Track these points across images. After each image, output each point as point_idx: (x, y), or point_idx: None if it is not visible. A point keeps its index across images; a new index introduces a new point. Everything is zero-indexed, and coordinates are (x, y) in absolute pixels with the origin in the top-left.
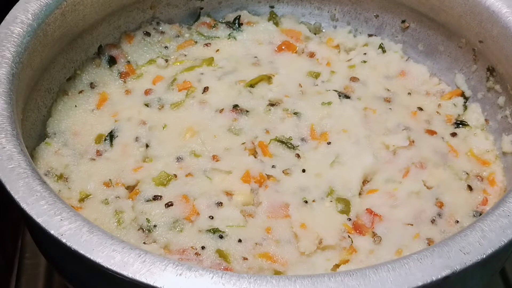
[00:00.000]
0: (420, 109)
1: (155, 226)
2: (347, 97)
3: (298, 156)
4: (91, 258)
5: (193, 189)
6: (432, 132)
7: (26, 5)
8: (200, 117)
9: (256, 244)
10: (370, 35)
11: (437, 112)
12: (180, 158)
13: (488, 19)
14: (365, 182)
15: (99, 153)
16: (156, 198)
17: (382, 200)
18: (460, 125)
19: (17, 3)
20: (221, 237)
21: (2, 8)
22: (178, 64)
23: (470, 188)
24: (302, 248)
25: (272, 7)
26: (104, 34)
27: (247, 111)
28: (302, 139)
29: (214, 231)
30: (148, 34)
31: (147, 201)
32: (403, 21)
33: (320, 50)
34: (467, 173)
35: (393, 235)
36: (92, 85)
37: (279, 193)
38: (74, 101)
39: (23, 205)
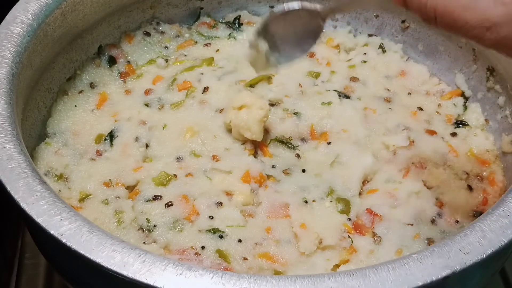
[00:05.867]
0: (420, 109)
1: (155, 226)
2: (347, 97)
3: (298, 156)
4: (91, 258)
5: (193, 189)
6: (432, 132)
7: (26, 5)
8: (200, 117)
9: (256, 244)
10: (370, 35)
11: (437, 112)
12: (180, 158)
13: None
14: (365, 182)
15: (99, 153)
16: (156, 198)
17: (382, 200)
18: (460, 125)
19: (17, 3)
20: (221, 237)
21: (2, 8)
22: (178, 64)
23: (470, 188)
24: (302, 248)
25: (272, 7)
26: (104, 34)
27: None
28: (302, 139)
29: (214, 231)
30: (148, 34)
31: (147, 201)
32: (403, 21)
33: (320, 50)
34: (467, 173)
35: (393, 235)
36: (92, 85)
37: (279, 193)
38: (74, 101)
39: (23, 205)
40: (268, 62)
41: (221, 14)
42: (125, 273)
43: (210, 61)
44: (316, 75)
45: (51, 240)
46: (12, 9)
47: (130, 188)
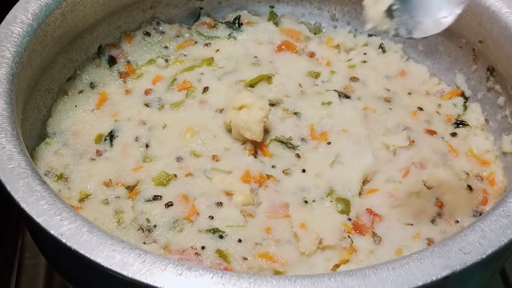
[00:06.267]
0: (420, 109)
1: (155, 226)
2: (347, 97)
3: (298, 156)
4: (91, 258)
5: (193, 189)
6: (432, 132)
7: (26, 5)
8: (200, 117)
9: (256, 244)
10: (370, 35)
11: (437, 112)
12: (180, 158)
13: (488, 19)
14: (365, 182)
15: (99, 153)
16: (156, 198)
17: (382, 200)
18: (460, 125)
19: (17, 3)
20: (221, 237)
21: (2, 8)
22: (178, 64)
23: (470, 188)
24: (302, 248)
25: (272, 7)
26: (104, 34)
27: None
28: (302, 139)
29: (214, 231)
30: (148, 34)
31: (147, 201)
32: None
33: (320, 50)
34: (467, 173)
35: (393, 235)
36: (92, 85)
37: (279, 193)
38: (74, 101)
39: (23, 205)
40: (385, 18)
41: (221, 14)
42: (125, 273)
43: (210, 61)
44: (316, 75)
45: (51, 240)
46: (12, 9)
47: (130, 188)
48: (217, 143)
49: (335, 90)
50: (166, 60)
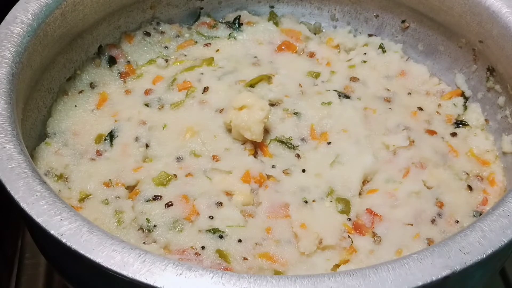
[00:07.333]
0: (420, 109)
1: (155, 226)
2: (347, 97)
3: (298, 156)
4: (91, 258)
5: (193, 189)
6: (432, 132)
7: (26, 5)
8: (200, 117)
9: (256, 244)
10: (370, 35)
11: (437, 112)
12: (180, 158)
13: (488, 19)
14: (365, 182)
15: (99, 153)
16: (156, 198)
17: (382, 200)
18: (460, 125)
19: (17, 3)
20: (221, 237)
21: (2, 8)
22: (178, 64)
23: (470, 188)
24: (302, 248)
25: (272, 7)
26: (104, 34)
27: None
28: (302, 139)
29: (214, 231)
30: (148, 34)
31: (147, 201)
32: (403, 21)
33: (320, 50)
34: (467, 173)
35: (393, 235)
36: (92, 85)
37: (279, 193)
38: (74, 101)
39: (23, 205)
40: None
41: (221, 14)
42: (125, 273)
43: (210, 61)
44: (316, 75)
45: (51, 240)
46: (12, 9)
47: (130, 188)
48: (217, 143)
49: (335, 90)
50: (166, 60)
